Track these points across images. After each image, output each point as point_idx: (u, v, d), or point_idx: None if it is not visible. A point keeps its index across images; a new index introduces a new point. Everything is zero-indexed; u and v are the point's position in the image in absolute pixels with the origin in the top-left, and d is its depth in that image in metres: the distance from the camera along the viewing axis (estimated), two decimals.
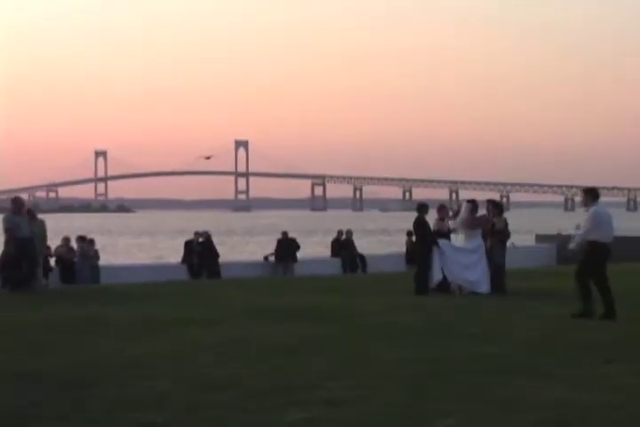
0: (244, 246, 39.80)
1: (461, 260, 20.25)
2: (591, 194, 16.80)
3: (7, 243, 20.90)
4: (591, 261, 16.25)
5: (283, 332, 14.39)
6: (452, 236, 21.03)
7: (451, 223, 20.99)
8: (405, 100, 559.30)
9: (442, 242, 20.43)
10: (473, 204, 20.98)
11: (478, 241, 20.42)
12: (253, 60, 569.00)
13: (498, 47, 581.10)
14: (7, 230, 20.70)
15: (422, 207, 21.02)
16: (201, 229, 33.93)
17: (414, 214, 21.23)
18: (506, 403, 8.88)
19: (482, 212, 20.99)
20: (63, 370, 11.09)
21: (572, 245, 16.58)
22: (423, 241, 20.76)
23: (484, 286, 20.10)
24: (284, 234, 32.62)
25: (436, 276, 20.29)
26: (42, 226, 22.32)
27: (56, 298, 20.87)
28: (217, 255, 31.12)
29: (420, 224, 20.76)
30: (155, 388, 9.87)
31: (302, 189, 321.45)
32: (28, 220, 21.58)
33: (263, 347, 12.83)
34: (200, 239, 31.19)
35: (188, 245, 31.17)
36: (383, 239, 71.12)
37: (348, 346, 12.82)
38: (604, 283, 16.11)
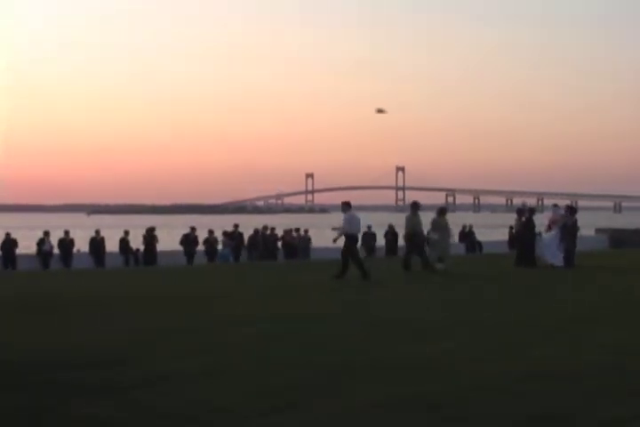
0: None
1: (549, 245, 19.86)
2: (346, 205, 17.20)
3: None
4: (349, 245, 16.77)
5: (427, 293, 14.20)
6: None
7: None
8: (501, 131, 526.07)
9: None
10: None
11: (555, 232, 19.94)
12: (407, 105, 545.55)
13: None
14: (408, 230, 18.81)
15: (530, 211, 20.74)
16: (380, 224, 34.26)
17: (515, 215, 21.24)
18: (576, 344, 8.45)
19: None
20: (257, 317, 10.90)
21: (335, 236, 17.13)
22: (530, 233, 20.16)
23: (561, 262, 19.61)
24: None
25: (541, 256, 19.93)
26: (445, 223, 19.45)
27: (284, 269, 21.13)
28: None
29: (529, 222, 20.25)
30: (337, 328, 9.72)
31: (439, 198, 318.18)
32: (441, 216, 19.30)
33: (418, 301, 12.63)
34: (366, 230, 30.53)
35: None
36: (493, 231, 69.72)
37: (463, 306, 12.44)
38: (356, 258, 16.78)
